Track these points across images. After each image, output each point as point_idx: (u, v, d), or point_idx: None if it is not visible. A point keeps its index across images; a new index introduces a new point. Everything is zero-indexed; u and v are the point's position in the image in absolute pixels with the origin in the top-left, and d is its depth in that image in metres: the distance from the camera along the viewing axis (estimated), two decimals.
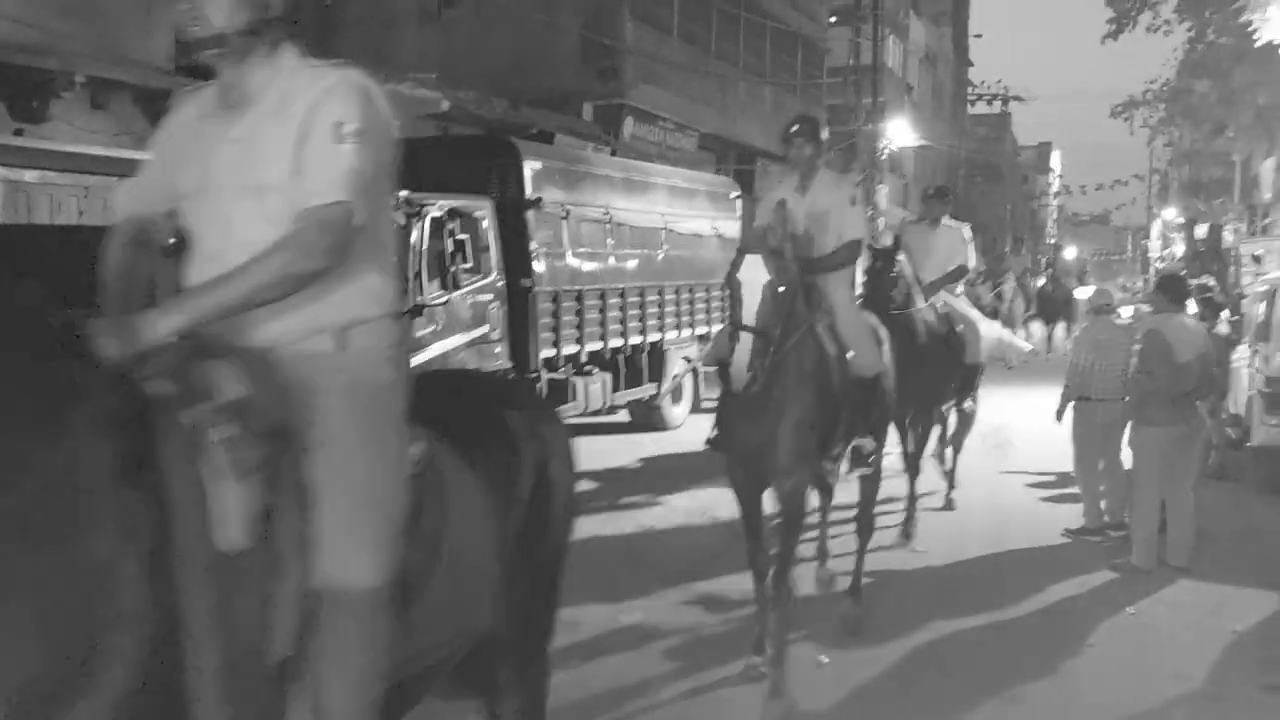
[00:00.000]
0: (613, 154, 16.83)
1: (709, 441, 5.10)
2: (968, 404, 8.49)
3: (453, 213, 8.57)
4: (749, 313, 4.51)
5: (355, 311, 2.33)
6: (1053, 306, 22.00)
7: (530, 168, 9.68)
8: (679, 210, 12.24)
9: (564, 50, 17.69)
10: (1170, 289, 6.72)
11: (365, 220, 2.27)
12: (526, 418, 2.95)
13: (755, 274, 4.56)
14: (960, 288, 8.39)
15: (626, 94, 18.09)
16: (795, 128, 5.44)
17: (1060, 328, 22.32)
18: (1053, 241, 63.68)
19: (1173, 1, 20.02)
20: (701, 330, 12.22)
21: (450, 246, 8.47)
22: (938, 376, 7.26)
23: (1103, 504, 7.50)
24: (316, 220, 2.21)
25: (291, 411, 2.21)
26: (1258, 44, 14.76)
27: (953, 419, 8.60)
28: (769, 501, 5.00)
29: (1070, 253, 26.95)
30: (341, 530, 2.18)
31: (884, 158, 28.19)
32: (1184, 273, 27.67)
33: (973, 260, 8.42)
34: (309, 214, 2.21)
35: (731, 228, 12.98)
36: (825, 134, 5.61)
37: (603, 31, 17.58)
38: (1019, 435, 11.20)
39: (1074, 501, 7.92)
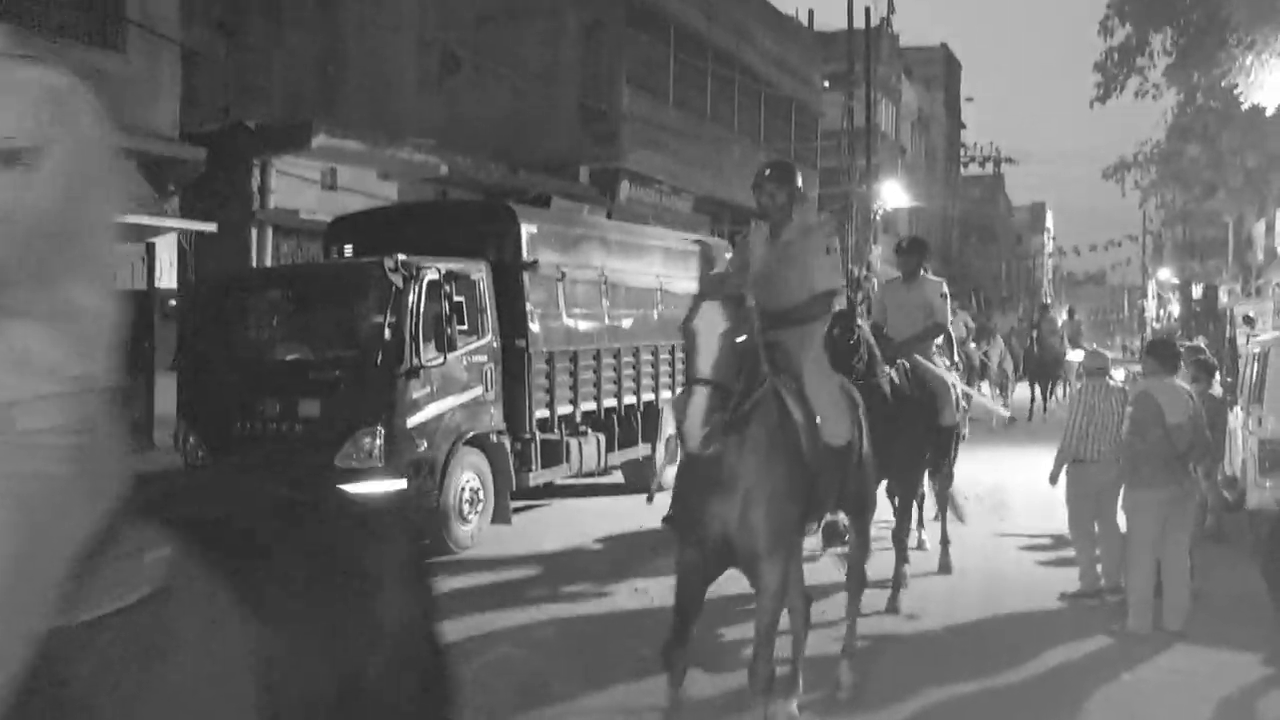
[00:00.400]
0: (609, 216, 17.04)
1: (666, 519, 4.66)
2: (945, 469, 8.10)
3: (449, 275, 8.65)
4: (707, 365, 4.05)
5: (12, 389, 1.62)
6: (1041, 368, 21.49)
7: (527, 231, 9.79)
8: (673, 271, 12.34)
9: (562, 116, 18.00)
10: (1160, 353, 6.77)
11: (16, 274, 1.56)
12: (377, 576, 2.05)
13: (716, 321, 4.13)
14: (935, 346, 8.15)
15: (623, 158, 18.36)
16: (768, 172, 5.13)
17: (1050, 389, 21.86)
18: (1049, 300, 63.72)
19: (1160, 66, 20.35)
20: None
21: (446, 309, 8.53)
22: (911, 443, 6.82)
23: (1099, 567, 7.47)
24: None
25: None
26: (1244, 107, 15.00)
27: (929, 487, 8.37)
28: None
29: (1059, 314, 26.42)
30: None
31: (878, 218, 28.48)
32: (1179, 334, 27.80)
33: (948, 317, 8.16)
34: None
35: None
36: (800, 180, 5.26)
37: (600, 98, 17.90)
38: (1016, 497, 11.15)
39: (1071, 565, 7.86)
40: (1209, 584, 7.47)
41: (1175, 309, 44.23)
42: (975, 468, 13.99)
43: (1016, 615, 7.14)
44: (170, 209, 11.95)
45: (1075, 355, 20.32)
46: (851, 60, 26.77)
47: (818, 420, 4.65)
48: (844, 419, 4.88)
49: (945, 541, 8.25)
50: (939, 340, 8.26)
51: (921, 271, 8.03)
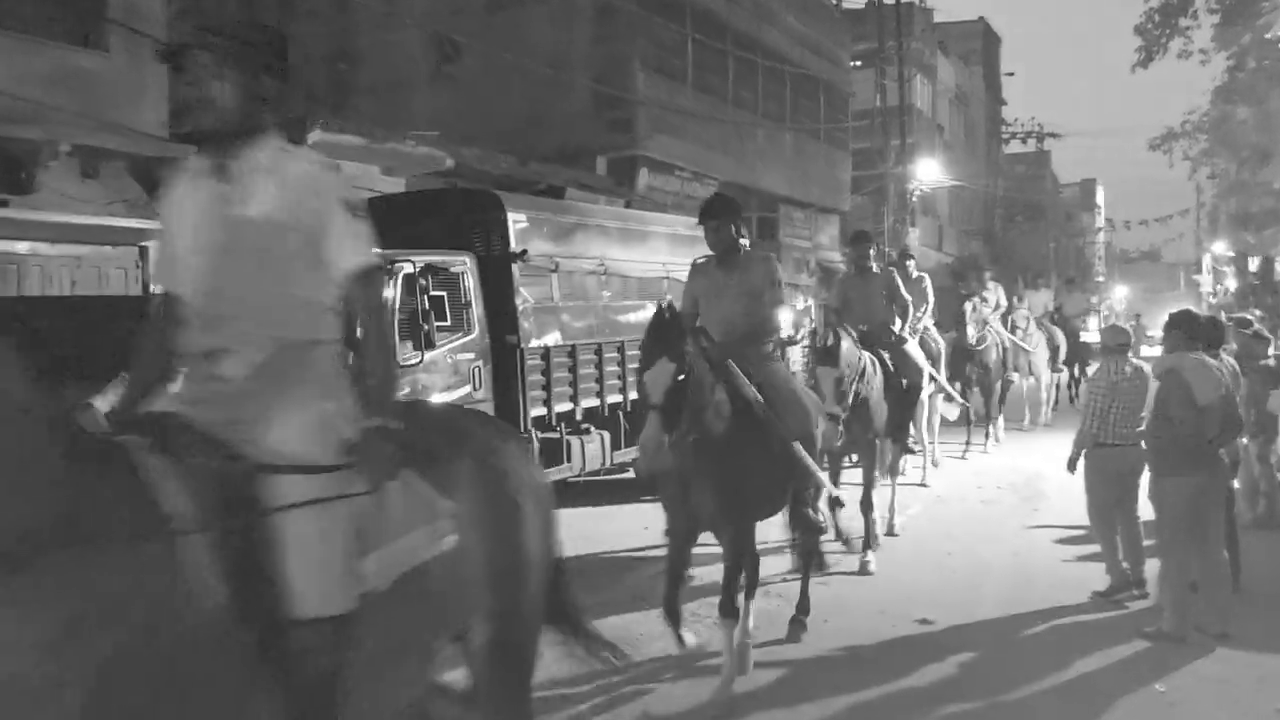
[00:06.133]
0: (628, 206, 16.46)
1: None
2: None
3: (427, 269, 8.17)
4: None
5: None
6: (981, 370, 14.00)
7: (515, 220, 9.28)
8: (682, 259, 11.77)
9: (575, 104, 17.49)
10: (1184, 325, 6.05)
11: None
12: None
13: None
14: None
15: (640, 145, 17.80)
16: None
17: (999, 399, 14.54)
18: (1101, 279, 61.85)
19: (1204, 25, 19.43)
20: None
21: (425, 304, 8.06)
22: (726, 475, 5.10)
23: (1125, 563, 6.81)
24: None
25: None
26: None
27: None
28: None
29: (1112, 293, 23.27)
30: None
31: (915, 199, 27.63)
32: (1235, 309, 26.63)
33: (780, 306, 5.91)
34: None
35: None
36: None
37: (614, 84, 17.34)
38: (1053, 485, 10.46)
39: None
40: (1256, 579, 6.80)
41: (1232, 283, 42.69)
42: (1012, 457, 13.35)
43: (1041, 616, 6.54)
44: None
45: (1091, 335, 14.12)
46: (882, 37, 25.92)
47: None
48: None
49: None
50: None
51: (742, 245, 5.74)
